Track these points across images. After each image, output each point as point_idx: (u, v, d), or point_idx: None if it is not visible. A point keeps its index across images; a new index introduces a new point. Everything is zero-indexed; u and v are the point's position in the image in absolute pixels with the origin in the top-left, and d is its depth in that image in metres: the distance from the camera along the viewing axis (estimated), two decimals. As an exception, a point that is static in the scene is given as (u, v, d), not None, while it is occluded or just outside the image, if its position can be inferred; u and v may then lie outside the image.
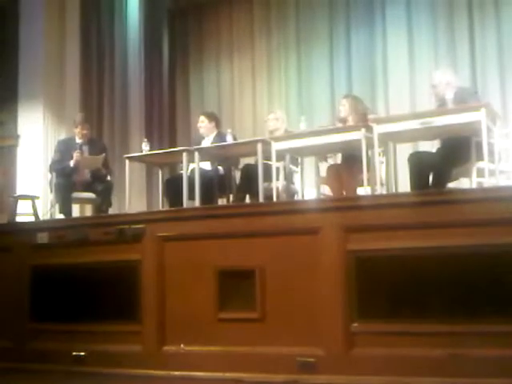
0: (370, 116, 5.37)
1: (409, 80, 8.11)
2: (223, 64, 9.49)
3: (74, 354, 4.34)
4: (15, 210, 6.46)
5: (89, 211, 7.10)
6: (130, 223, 4.36)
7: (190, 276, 4.15)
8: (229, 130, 6.10)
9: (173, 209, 5.46)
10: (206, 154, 6.04)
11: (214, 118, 6.68)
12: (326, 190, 5.87)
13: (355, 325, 3.70)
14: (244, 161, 6.53)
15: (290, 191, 6.08)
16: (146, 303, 4.24)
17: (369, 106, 6.71)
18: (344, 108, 5.85)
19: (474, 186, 4.91)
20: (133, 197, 6.40)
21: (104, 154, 6.47)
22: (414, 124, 4.87)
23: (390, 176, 5.45)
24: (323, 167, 6.02)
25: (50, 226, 4.87)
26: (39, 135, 8.04)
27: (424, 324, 3.55)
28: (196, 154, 5.83)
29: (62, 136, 7.90)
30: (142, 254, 4.29)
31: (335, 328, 3.72)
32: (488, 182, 4.82)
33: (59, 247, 4.60)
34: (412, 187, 5.16)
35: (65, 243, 4.57)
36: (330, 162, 6.09)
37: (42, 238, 4.67)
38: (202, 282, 4.09)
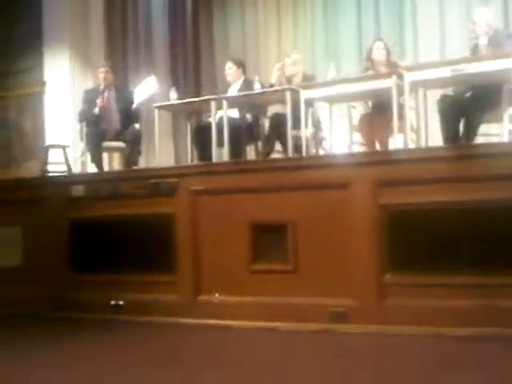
0: (401, 63, 5.32)
1: (438, 20, 7.86)
2: (247, 4, 9.29)
3: (112, 302, 4.49)
4: (47, 159, 6.55)
5: (117, 160, 7.16)
6: (163, 177, 4.43)
7: (223, 229, 4.23)
8: (256, 78, 6.05)
9: (205, 163, 5.50)
10: (233, 102, 6.04)
11: (241, 65, 6.63)
12: (358, 138, 5.86)
13: (387, 276, 3.78)
14: (272, 108, 6.50)
15: (318, 138, 6.09)
16: (181, 255, 4.35)
17: (398, 47, 6.60)
18: (379, 52, 5.79)
19: (506, 132, 4.89)
20: (160, 146, 6.45)
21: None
22: (446, 71, 4.82)
23: (420, 122, 5.44)
24: (354, 114, 6.01)
25: (85, 180, 4.97)
26: (66, 82, 8.05)
27: (455, 276, 3.61)
28: (224, 102, 5.83)
29: (89, 82, 7.91)
30: (176, 208, 4.37)
31: (367, 279, 3.80)
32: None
33: (94, 200, 4.71)
34: (443, 132, 5.15)
35: (100, 196, 4.67)
36: (360, 109, 6.05)
37: (78, 191, 4.77)
38: (235, 235, 4.17)
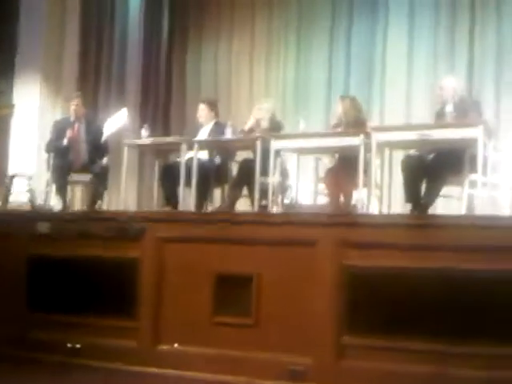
0: (369, 124, 5.48)
1: (405, 84, 8.12)
2: (222, 47, 9.42)
3: (69, 345, 4.44)
4: (10, 188, 6.47)
5: (82, 193, 7.09)
6: (130, 221, 4.44)
7: (188, 278, 4.26)
8: (229, 123, 6.13)
9: (174, 210, 5.52)
10: (204, 145, 6.10)
11: (214, 107, 6.68)
12: (324, 189, 5.97)
13: (346, 337, 3.85)
14: (240, 153, 6.58)
15: (284, 187, 6.18)
16: (144, 301, 4.35)
17: (365, 106, 6.78)
18: (337, 111, 5.96)
19: (465, 196, 5.05)
20: (124, 181, 6.44)
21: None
22: (412, 135, 4.99)
23: (384, 180, 5.59)
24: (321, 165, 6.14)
25: (51, 217, 4.93)
26: (34, 110, 7.97)
27: (411, 341, 3.69)
28: (196, 145, 5.89)
29: (58, 112, 7.88)
30: (142, 253, 4.38)
31: (326, 339, 3.86)
32: (479, 193, 4.95)
33: (59, 238, 4.68)
34: (405, 191, 5.29)
35: (65, 235, 4.65)
36: (326, 161, 6.18)
37: (42, 227, 4.73)
38: (199, 284, 4.20)
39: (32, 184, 6.55)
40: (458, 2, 8.04)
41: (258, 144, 5.61)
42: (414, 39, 8.20)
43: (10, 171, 7.18)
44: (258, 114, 6.34)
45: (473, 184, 5.04)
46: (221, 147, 6.19)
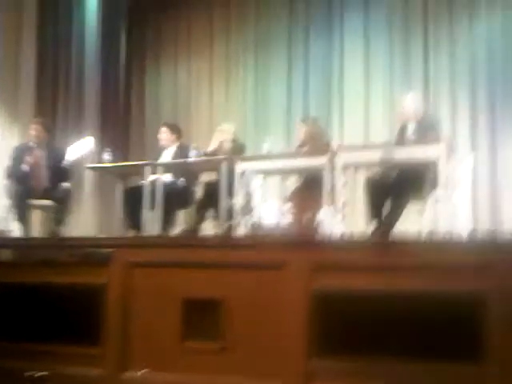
0: (332, 143, 5.55)
1: (363, 103, 8.29)
2: (180, 70, 9.46)
3: (35, 373, 4.32)
4: (-32, 215, 6.33)
5: (42, 218, 6.96)
6: (96, 247, 4.36)
7: (155, 303, 4.17)
8: (193, 145, 6.15)
9: (140, 235, 5.48)
10: (168, 168, 6.09)
11: (175, 130, 6.71)
12: (289, 208, 6.00)
13: (315, 360, 3.82)
14: (203, 174, 6.59)
15: (248, 208, 6.19)
16: (109, 327, 4.23)
17: (324, 128, 6.88)
18: (300, 133, 6.03)
19: (428, 213, 5.14)
20: (86, 205, 6.39)
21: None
22: (376, 154, 5.07)
23: (348, 198, 5.66)
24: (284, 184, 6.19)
25: (13, 244, 4.82)
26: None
27: (381, 363, 3.68)
28: (159, 168, 5.87)
29: (15, 137, 7.76)
30: (108, 278, 4.28)
31: (296, 362, 3.82)
32: (441, 209, 5.05)
33: (21, 265, 4.55)
34: (368, 210, 5.36)
35: (28, 262, 4.53)
36: (292, 180, 6.23)
37: (5, 254, 4.61)
38: (167, 310, 4.12)
39: (-9, 210, 6.42)
40: (411, 22, 8.27)
41: (224, 166, 5.63)
42: (370, 61, 8.43)
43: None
44: (220, 136, 6.39)
45: (435, 200, 5.15)
46: (186, 169, 6.19)
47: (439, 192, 5.00)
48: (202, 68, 9.35)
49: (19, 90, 8.04)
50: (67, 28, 8.95)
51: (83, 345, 4.27)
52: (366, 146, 5.34)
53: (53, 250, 4.53)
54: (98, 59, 9.23)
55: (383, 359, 3.66)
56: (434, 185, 5.08)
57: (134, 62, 9.70)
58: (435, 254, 3.73)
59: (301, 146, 6.06)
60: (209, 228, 6.49)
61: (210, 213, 6.14)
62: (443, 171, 4.88)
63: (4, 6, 7.89)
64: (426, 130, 5.26)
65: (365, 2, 8.46)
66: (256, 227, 6.05)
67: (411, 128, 5.34)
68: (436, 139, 5.04)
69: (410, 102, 5.49)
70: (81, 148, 6.49)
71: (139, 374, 4.08)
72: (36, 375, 4.26)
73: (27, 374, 4.27)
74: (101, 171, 6.63)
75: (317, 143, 5.82)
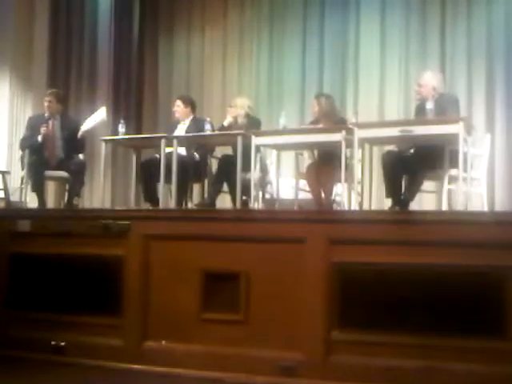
0: (350, 120, 5.52)
1: (379, 79, 8.20)
2: (193, 44, 9.37)
3: (53, 343, 4.38)
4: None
5: (58, 189, 6.99)
6: (114, 219, 4.39)
7: (174, 275, 4.22)
8: (207, 119, 6.14)
9: (157, 208, 5.50)
10: (183, 141, 6.09)
11: (189, 103, 6.67)
12: (305, 184, 6.00)
13: (335, 333, 3.87)
14: (219, 148, 6.58)
15: (264, 182, 6.21)
16: (129, 298, 4.29)
17: (339, 103, 6.84)
18: (314, 110, 6.00)
19: (445, 191, 5.14)
20: (100, 177, 6.40)
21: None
22: (394, 131, 5.05)
23: (365, 175, 5.66)
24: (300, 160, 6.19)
25: (31, 215, 4.85)
26: (5, 104, 7.82)
27: (400, 336, 3.73)
28: (175, 141, 5.86)
29: (28, 108, 7.77)
30: (127, 250, 4.33)
31: (316, 335, 3.87)
32: (459, 188, 5.04)
33: (41, 236, 4.60)
34: (386, 186, 5.36)
35: (47, 233, 4.57)
36: (306, 156, 6.22)
37: (24, 225, 4.65)
38: (186, 282, 4.17)
39: (8, 180, 6.45)
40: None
41: (239, 140, 5.62)
42: (386, 36, 8.32)
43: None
44: (234, 111, 6.36)
45: (452, 179, 5.14)
46: (201, 143, 6.18)
47: (457, 170, 4.98)
48: (215, 41, 9.27)
49: (33, 61, 8.02)
50: (81, 0, 8.90)
51: (104, 315, 4.35)
52: (383, 123, 5.29)
53: (71, 222, 4.57)
54: (110, 31, 9.17)
55: (403, 332, 3.71)
56: (451, 163, 5.05)
57: (147, 33, 9.62)
58: (454, 229, 3.76)
59: (313, 122, 6.03)
60: (223, 201, 6.51)
61: (225, 187, 6.14)
62: (461, 149, 4.85)
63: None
64: (445, 109, 5.22)
65: (382, -23, 8.35)
66: (271, 201, 6.07)
67: (429, 106, 5.30)
68: (454, 117, 5.00)
69: (428, 80, 5.43)
70: (94, 119, 6.48)
71: (163, 343, 4.14)
72: (57, 344, 4.33)
73: (53, 343, 4.34)
74: (115, 143, 6.60)
75: (330, 120, 5.78)
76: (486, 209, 5.36)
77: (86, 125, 6.45)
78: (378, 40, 8.27)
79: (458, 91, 7.35)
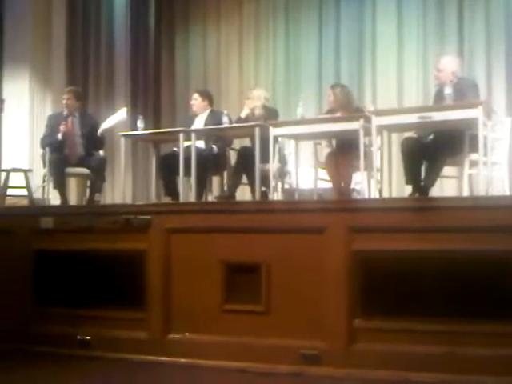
0: (368, 108, 5.49)
1: (396, 66, 8.10)
2: (209, 36, 9.34)
3: (79, 337, 4.45)
4: (7, 183, 6.43)
5: (79, 186, 7.05)
6: (135, 213, 4.43)
7: (196, 267, 4.26)
8: (225, 112, 6.15)
9: (177, 202, 5.53)
10: (201, 134, 6.11)
11: (207, 96, 6.67)
12: (324, 174, 5.99)
13: (358, 321, 3.87)
14: (237, 141, 6.59)
15: (283, 173, 6.20)
16: (152, 291, 4.35)
17: (356, 92, 6.79)
18: (329, 99, 5.98)
19: (466, 177, 5.09)
20: (121, 173, 6.44)
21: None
22: (412, 118, 5.01)
23: (384, 162, 5.63)
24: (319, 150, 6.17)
25: (56, 212, 4.91)
26: (25, 102, 7.93)
27: (423, 322, 3.73)
28: (193, 134, 5.88)
29: (48, 105, 7.85)
30: (148, 245, 4.38)
31: (338, 323, 3.89)
32: (479, 173, 4.99)
33: (64, 233, 4.66)
34: (405, 173, 5.32)
35: (70, 229, 4.63)
36: (324, 145, 6.20)
37: (47, 222, 4.71)
38: (208, 274, 4.20)
39: (30, 178, 6.52)
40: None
41: (257, 131, 5.62)
42: (404, 21, 8.22)
43: (3, 167, 7.13)
44: (251, 103, 6.35)
45: (473, 164, 5.09)
46: (219, 136, 6.19)
47: (477, 155, 4.93)
48: (231, 33, 9.24)
49: (51, 60, 8.10)
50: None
51: (128, 309, 4.41)
52: (401, 110, 5.24)
53: (93, 217, 4.62)
54: (127, 27, 9.20)
55: (425, 318, 3.70)
56: (471, 148, 5.01)
57: (163, 28, 9.61)
58: (475, 214, 3.74)
59: (330, 111, 6.01)
60: (242, 193, 6.52)
61: (244, 179, 6.14)
62: (481, 133, 4.80)
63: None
64: (464, 93, 5.17)
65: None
66: (290, 192, 6.07)
67: (448, 91, 5.24)
68: (473, 101, 4.95)
69: (447, 65, 5.38)
70: (115, 118, 6.53)
71: (186, 335, 4.18)
72: (83, 339, 4.39)
73: (79, 337, 4.41)
74: (134, 138, 6.64)
75: (346, 110, 5.75)
76: (507, 193, 5.29)
77: (107, 123, 6.49)
78: (394, 26, 8.18)
79: (477, 75, 7.27)
